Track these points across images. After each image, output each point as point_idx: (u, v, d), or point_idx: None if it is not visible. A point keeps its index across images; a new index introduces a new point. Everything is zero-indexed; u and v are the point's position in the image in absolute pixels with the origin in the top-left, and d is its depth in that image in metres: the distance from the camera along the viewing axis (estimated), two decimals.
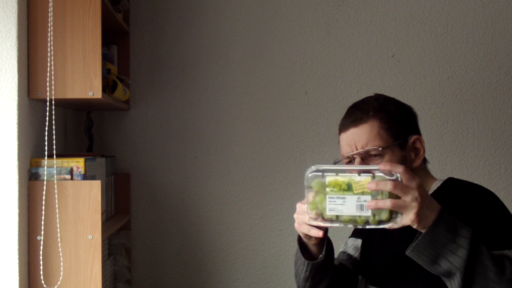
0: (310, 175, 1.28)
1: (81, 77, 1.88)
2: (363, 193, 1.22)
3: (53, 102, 1.84)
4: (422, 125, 1.59)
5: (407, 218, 1.22)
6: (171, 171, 2.52)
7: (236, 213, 2.51)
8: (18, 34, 1.80)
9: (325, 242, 1.43)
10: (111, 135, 2.51)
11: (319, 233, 1.34)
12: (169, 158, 2.52)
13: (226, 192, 2.52)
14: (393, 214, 1.22)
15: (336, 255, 1.63)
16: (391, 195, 1.21)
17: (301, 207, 1.37)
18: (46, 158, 1.85)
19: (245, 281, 2.51)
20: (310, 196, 1.28)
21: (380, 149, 1.45)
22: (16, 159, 1.79)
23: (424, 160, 1.56)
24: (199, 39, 2.52)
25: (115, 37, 2.44)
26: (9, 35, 1.79)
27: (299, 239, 1.46)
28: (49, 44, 1.84)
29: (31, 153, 1.89)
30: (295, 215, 1.40)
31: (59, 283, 1.83)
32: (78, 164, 1.88)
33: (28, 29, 1.87)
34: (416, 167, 1.51)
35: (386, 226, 1.23)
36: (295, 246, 1.48)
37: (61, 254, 1.84)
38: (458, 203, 1.45)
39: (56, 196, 1.84)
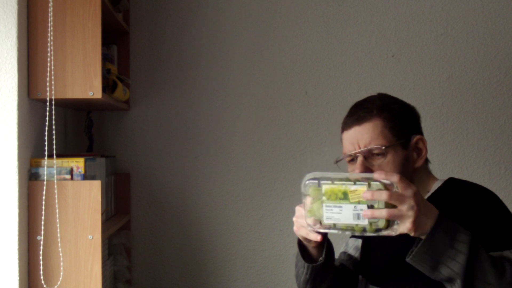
0: (306, 182, 1.28)
1: (81, 77, 1.88)
2: (359, 202, 1.22)
3: (53, 102, 1.84)
4: (422, 125, 1.59)
5: (403, 227, 1.22)
6: (171, 171, 2.52)
7: (236, 213, 2.51)
8: (18, 34, 1.80)
9: (325, 244, 1.43)
10: (111, 135, 2.51)
11: (318, 238, 1.34)
12: (169, 158, 2.52)
13: (226, 192, 2.52)
14: (390, 222, 1.22)
15: (337, 255, 1.63)
16: (388, 204, 1.21)
17: (299, 210, 1.37)
18: (46, 158, 1.85)
19: (245, 281, 2.51)
20: (307, 202, 1.28)
21: (383, 148, 1.45)
22: (16, 159, 1.79)
23: (426, 161, 1.55)
24: (199, 39, 2.52)
25: (115, 37, 2.44)
26: (9, 35, 1.79)
27: (299, 241, 1.45)
28: (49, 44, 1.84)
29: (31, 153, 1.89)
30: (294, 219, 1.40)
31: (59, 283, 1.83)
32: (78, 164, 1.88)
33: (28, 29, 1.87)
34: (418, 167, 1.51)
35: (384, 233, 1.23)
36: (295, 246, 1.48)
37: (61, 254, 1.84)
38: (459, 203, 1.45)
39: (56, 196, 1.84)
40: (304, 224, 1.33)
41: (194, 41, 2.52)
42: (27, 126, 1.87)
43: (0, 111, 1.79)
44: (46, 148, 1.85)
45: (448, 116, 2.49)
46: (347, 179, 1.24)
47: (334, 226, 1.26)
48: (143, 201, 2.52)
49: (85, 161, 1.90)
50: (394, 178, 1.21)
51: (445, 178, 1.55)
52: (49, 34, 1.84)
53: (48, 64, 1.84)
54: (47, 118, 1.82)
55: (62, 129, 2.28)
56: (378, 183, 1.22)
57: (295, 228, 1.40)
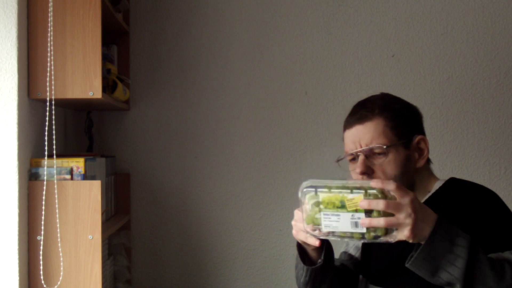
0: (304, 190, 1.28)
1: (81, 77, 1.88)
2: (356, 210, 1.22)
3: (53, 102, 1.84)
4: None
5: (402, 234, 1.22)
6: (171, 171, 2.52)
7: (236, 213, 2.51)
8: (18, 34, 1.80)
9: (324, 246, 1.43)
10: (111, 135, 2.51)
11: (316, 243, 1.34)
12: (169, 158, 2.52)
13: (226, 192, 2.52)
14: (388, 229, 1.22)
15: (337, 255, 1.63)
16: (385, 212, 1.21)
17: (298, 214, 1.37)
18: (46, 158, 1.85)
19: (245, 281, 2.51)
20: (305, 210, 1.28)
21: (385, 147, 1.45)
22: (16, 159, 1.79)
23: (428, 161, 1.55)
24: (199, 39, 2.52)
25: (115, 37, 2.44)
26: (9, 35, 1.79)
27: (298, 244, 1.45)
28: (49, 44, 1.84)
29: (31, 153, 1.89)
30: (293, 222, 1.40)
31: (59, 283, 1.83)
32: (78, 164, 1.88)
33: (28, 29, 1.87)
34: (419, 167, 1.51)
35: (382, 240, 1.23)
36: (295, 246, 1.48)
37: (61, 254, 1.84)
38: (460, 203, 1.45)
39: (56, 196, 1.84)
40: (302, 228, 1.33)
41: (194, 41, 2.52)
42: (27, 126, 1.87)
43: (0, 111, 1.79)
44: (46, 148, 1.85)
45: (448, 116, 2.49)
46: (344, 187, 1.23)
47: (332, 234, 1.26)
48: (143, 201, 2.52)
49: (85, 161, 1.90)
50: (391, 186, 1.21)
51: (446, 178, 1.55)
52: (49, 34, 1.84)
53: (48, 64, 1.84)
54: (47, 118, 1.82)
55: (62, 129, 2.28)
56: (375, 190, 1.22)
57: (294, 232, 1.40)
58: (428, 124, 1.59)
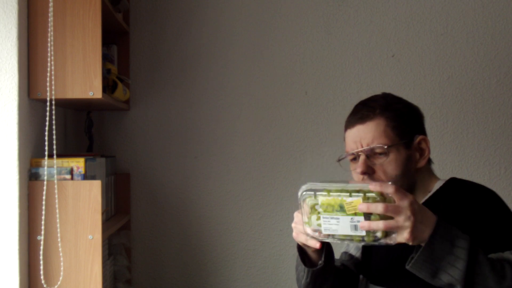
0: (303, 193, 1.28)
1: (81, 77, 1.88)
2: (356, 214, 1.22)
3: (53, 102, 1.84)
4: None
5: (401, 237, 1.22)
6: (171, 171, 2.52)
7: (236, 213, 2.51)
8: (18, 34, 1.80)
9: (324, 248, 1.43)
10: (111, 135, 2.51)
11: (317, 245, 1.34)
12: (169, 158, 2.52)
13: (226, 192, 2.52)
14: (387, 231, 1.22)
15: (338, 255, 1.63)
16: (385, 215, 1.21)
17: (298, 216, 1.37)
18: (46, 158, 1.85)
19: (245, 281, 2.51)
20: (305, 212, 1.28)
21: (386, 147, 1.45)
22: (16, 159, 1.79)
23: (429, 161, 1.55)
24: (199, 39, 2.52)
25: (115, 37, 2.44)
26: (9, 35, 1.79)
27: (299, 246, 1.45)
28: (49, 44, 1.84)
29: (31, 153, 1.89)
30: (293, 225, 1.40)
31: (59, 283, 1.83)
32: (78, 164, 1.88)
33: (28, 29, 1.87)
34: (420, 167, 1.51)
35: (382, 243, 1.23)
36: (295, 246, 1.48)
37: (61, 254, 1.84)
38: (460, 203, 1.45)
39: (56, 196, 1.83)
40: (302, 231, 1.33)
41: (194, 41, 2.52)
42: (27, 126, 1.87)
43: (0, 111, 1.79)
44: (46, 148, 1.85)
45: (448, 116, 2.49)
46: (343, 190, 1.23)
47: (332, 236, 1.27)
48: (143, 201, 2.52)
49: (85, 161, 1.90)
50: (390, 189, 1.21)
51: (446, 178, 1.55)
52: (49, 34, 1.84)
53: (48, 64, 1.84)
54: (47, 118, 1.82)
55: (62, 129, 2.28)
56: (374, 194, 1.22)
57: (294, 234, 1.40)
58: (428, 124, 1.59)
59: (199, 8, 2.52)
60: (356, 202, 1.21)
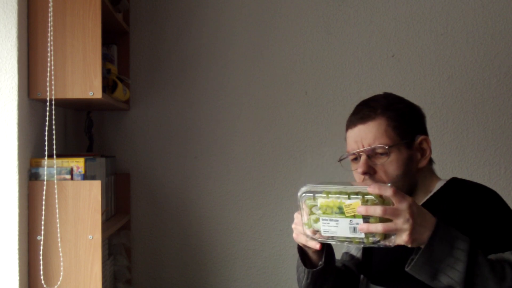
0: (303, 195, 1.28)
1: (81, 77, 1.88)
2: (354, 216, 1.22)
3: (53, 102, 1.84)
4: None
5: (400, 239, 1.22)
6: (171, 171, 2.52)
7: (236, 213, 2.51)
8: (18, 34, 1.80)
9: (324, 248, 1.43)
10: (111, 135, 2.51)
11: (317, 246, 1.34)
12: (169, 158, 2.52)
13: (226, 192, 2.52)
14: (387, 234, 1.22)
15: (338, 256, 1.63)
16: (383, 217, 1.21)
17: (298, 217, 1.37)
18: (46, 158, 1.85)
19: (245, 281, 2.51)
20: (305, 213, 1.29)
21: (387, 147, 1.45)
22: (16, 159, 1.79)
23: (430, 161, 1.55)
24: (199, 39, 2.52)
25: (115, 37, 2.44)
26: (9, 35, 1.79)
27: (299, 246, 1.45)
28: (49, 44, 1.84)
29: (31, 153, 1.89)
30: (293, 226, 1.40)
31: (59, 283, 1.83)
32: (78, 164, 1.88)
33: (28, 29, 1.87)
34: (421, 167, 1.50)
35: (381, 245, 1.23)
36: (295, 246, 1.48)
37: (61, 254, 1.84)
38: (461, 202, 1.45)
39: (56, 196, 1.83)
40: (302, 232, 1.33)
41: (194, 41, 2.52)
42: (27, 126, 1.87)
43: (0, 111, 1.79)
44: (46, 148, 1.85)
45: (448, 116, 2.49)
46: (342, 192, 1.23)
47: (332, 238, 1.27)
48: (143, 201, 2.52)
49: (85, 161, 1.90)
50: (388, 192, 1.21)
51: (447, 178, 1.55)
52: (49, 34, 1.84)
53: (48, 64, 1.84)
54: (47, 118, 1.82)
55: (62, 129, 2.28)
56: (372, 196, 1.22)
57: (294, 235, 1.40)
58: (428, 124, 1.58)
59: (199, 8, 2.52)
60: (355, 204, 1.21)
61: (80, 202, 1.85)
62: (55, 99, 1.84)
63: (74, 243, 1.85)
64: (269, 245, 2.51)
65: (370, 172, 1.46)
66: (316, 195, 1.26)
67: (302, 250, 1.46)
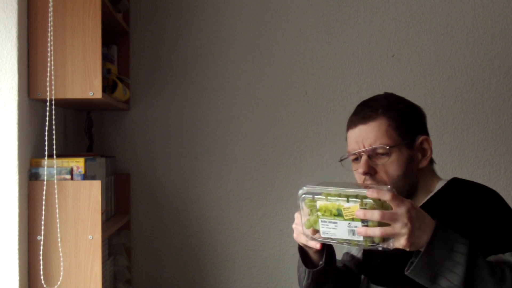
0: (302, 196, 1.28)
1: (81, 77, 1.88)
2: (353, 219, 1.22)
3: (53, 102, 1.84)
4: None
5: (398, 244, 1.22)
6: (171, 171, 2.52)
7: (236, 213, 2.51)
8: (18, 34, 1.80)
9: (325, 248, 1.43)
10: (111, 135, 2.51)
11: (317, 246, 1.34)
12: (169, 158, 2.52)
13: (226, 192, 2.52)
14: (385, 237, 1.22)
15: (339, 256, 1.63)
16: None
17: (298, 217, 1.37)
18: (46, 158, 1.85)
19: (245, 281, 2.51)
20: (305, 214, 1.29)
21: (388, 147, 1.45)
22: (16, 159, 1.79)
23: (431, 161, 1.55)
24: (199, 39, 2.52)
25: (115, 37, 2.44)
26: (9, 35, 1.79)
27: (300, 246, 1.45)
28: (49, 44, 1.84)
29: (31, 153, 1.89)
30: (294, 226, 1.40)
31: (59, 283, 1.83)
32: (78, 164, 1.88)
33: (28, 29, 1.87)
34: (422, 167, 1.50)
35: (380, 248, 1.24)
36: (295, 246, 1.48)
37: (61, 254, 1.84)
38: (462, 203, 1.44)
39: (56, 196, 1.83)
40: (303, 232, 1.33)
41: (194, 41, 2.52)
42: (27, 126, 1.87)
43: (0, 111, 1.79)
44: (46, 148, 1.85)
45: (448, 116, 2.49)
46: (341, 195, 1.24)
47: (331, 239, 1.27)
48: (143, 201, 2.52)
49: (85, 161, 1.90)
50: (386, 197, 1.21)
51: (447, 178, 1.55)
52: (49, 34, 1.84)
53: (48, 64, 1.84)
54: (47, 118, 1.82)
55: (62, 129, 2.28)
56: (371, 200, 1.22)
57: (294, 235, 1.40)
58: (428, 124, 1.59)
59: (199, 8, 2.52)
60: (354, 207, 1.22)
61: (80, 202, 1.85)
62: (55, 99, 1.84)
63: (74, 243, 1.85)
64: (269, 245, 2.51)
65: (371, 173, 1.46)
66: (316, 196, 1.26)
67: (302, 250, 1.46)
